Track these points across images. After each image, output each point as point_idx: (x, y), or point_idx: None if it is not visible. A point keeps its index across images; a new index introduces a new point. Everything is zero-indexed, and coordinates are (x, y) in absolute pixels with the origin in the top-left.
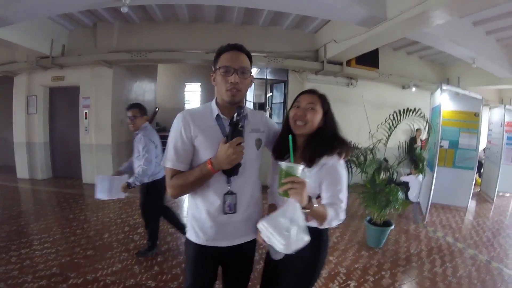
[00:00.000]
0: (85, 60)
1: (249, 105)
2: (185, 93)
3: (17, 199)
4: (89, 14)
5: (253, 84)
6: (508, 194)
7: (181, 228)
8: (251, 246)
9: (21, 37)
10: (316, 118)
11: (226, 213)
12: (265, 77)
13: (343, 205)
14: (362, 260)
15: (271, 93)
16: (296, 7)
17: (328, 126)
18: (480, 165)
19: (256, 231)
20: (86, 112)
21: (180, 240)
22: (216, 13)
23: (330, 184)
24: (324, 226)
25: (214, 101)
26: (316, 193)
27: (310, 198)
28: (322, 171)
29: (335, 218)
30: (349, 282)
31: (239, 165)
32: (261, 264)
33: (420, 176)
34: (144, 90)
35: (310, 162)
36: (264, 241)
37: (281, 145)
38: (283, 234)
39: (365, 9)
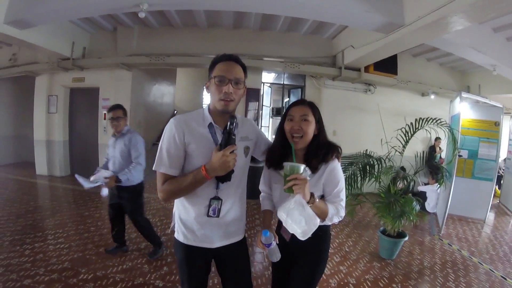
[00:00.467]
0: (105, 63)
1: (266, 110)
2: (203, 96)
3: (35, 195)
4: (109, 18)
5: (270, 89)
6: None
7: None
8: (239, 247)
9: (43, 39)
10: (311, 128)
11: (209, 216)
12: (282, 82)
13: (343, 203)
14: (373, 272)
15: (288, 98)
16: (313, 14)
17: (322, 133)
18: (500, 176)
19: (242, 233)
20: (105, 113)
21: None
22: (234, 18)
23: (331, 185)
24: (326, 222)
25: (206, 108)
26: (319, 194)
27: (312, 194)
28: (323, 174)
29: (336, 215)
30: None
31: (232, 171)
32: (269, 270)
33: (438, 186)
34: (163, 93)
35: (314, 169)
36: (264, 246)
37: (276, 156)
38: (299, 224)
39: (382, 15)
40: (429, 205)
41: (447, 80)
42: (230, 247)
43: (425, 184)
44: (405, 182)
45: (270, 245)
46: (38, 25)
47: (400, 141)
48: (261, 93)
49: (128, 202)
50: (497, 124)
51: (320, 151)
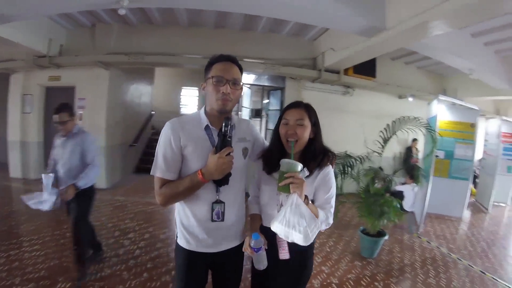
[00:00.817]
0: (82, 61)
1: (246, 111)
2: (181, 97)
3: (9, 199)
4: (88, 15)
5: (250, 90)
6: (503, 205)
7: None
8: (238, 251)
9: (20, 35)
10: (306, 133)
11: (214, 221)
12: (262, 84)
13: (332, 210)
14: (355, 271)
15: (267, 100)
16: (296, 15)
17: (318, 136)
18: (475, 175)
19: (241, 237)
20: (81, 114)
21: (171, 246)
22: (216, 18)
23: (323, 191)
24: None
25: (203, 110)
26: (310, 199)
27: (306, 196)
28: (316, 178)
29: (324, 221)
30: None
31: (229, 174)
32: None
33: (414, 186)
34: (141, 93)
35: (309, 172)
36: (253, 251)
37: (272, 160)
38: (299, 229)
39: (365, 19)
40: (407, 204)
41: (425, 83)
42: (231, 250)
43: (403, 184)
44: (383, 182)
45: (260, 250)
46: (15, 20)
47: (380, 142)
48: (241, 94)
49: (77, 205)
50: (473, 125)
51: (317, 155)
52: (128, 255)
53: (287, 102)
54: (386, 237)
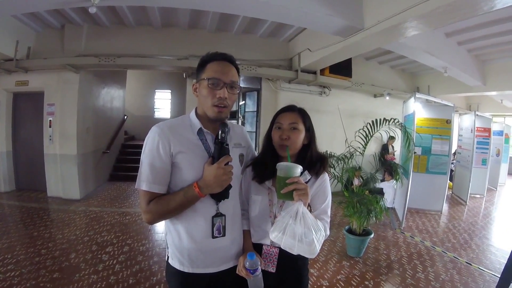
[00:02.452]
0: (50, 64)
1: None
2: (155, 100)
3: None
4: (57, 15)
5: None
6: (478, 196)
7: None
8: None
9: None
10: (300, 138)
11: (215, 237)
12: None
13: (329, 220)
14: (344, 271)
15: (243, 102)
16: (273, 15)
17: (313, 142)
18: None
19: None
20: (50, 120)
21: (152, 259)
22: (190, 18)
23: (320, 199)
24: None
25: (193, 113)
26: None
27: (308, 204)
28: (313, 187)
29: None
30: None
31: (229, 186)
32: None
33: (394, 182)
34: (112, 97)
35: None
36: (248, 273)
37: (264, 168)
38: (305, 241)
39: (343, 19)
40: (387, 201)
41: (398, 82)
42: (231, 272)
43: (382, 181)
44: (361, 179)
45: (256, 271)
46: None
47: (362, 140)
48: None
49: None
50: (448, 121)
51: (313, 163)
52: (108, 271)
53: (263, 103)
54: (372, 236)
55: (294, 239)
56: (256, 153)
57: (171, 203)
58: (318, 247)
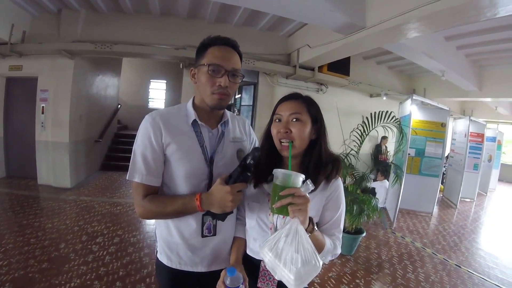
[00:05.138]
0: (46, 49)
1: None
2: (149, 90)
3: None
4: None
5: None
6: (468, 200)
7: None
8: None
9: None
10: (304, 131)
11: (204, 236)
12: None
13: (341, 235)
14: (336, 269)
15: (239, 95)
16: (275, 8)
17: (322, 138)
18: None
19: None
20: (43, 106)
21: (143, 251)
22: (189, 7)
23: (332, 210)
24: None
25: (190, 102)
26: (316, 221)
27: (311, 220)
28: (324, 195)
29: (331, 252)
30: None
31: (230, 212)
32: None
33: (386, 182)
34: (107, 85)
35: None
36: None
37: (261, 166)
38: (290, 267)
39: (345, 16)
40: (378, 200)
41: (395, 83)
42: (219, 274)
43: (374, 180)
44: (354, 179)
45: None
46: None
47: (357, 139)
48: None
49: None
50: (443, 125)
51: (323, 164)
52: (98, 262)
53: (259, 98)
54: (364, 234)
55: (279, 261)
56: None
57: (167, 207)
58: (305, 279)
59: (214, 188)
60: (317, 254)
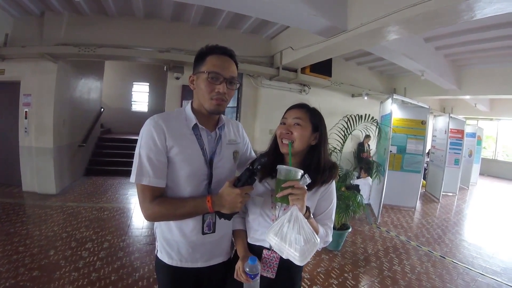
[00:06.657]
0: (29, 52)
1: None
2: (132, 93)
3: None
4: (37, 1)
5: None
6: (451, 194)
7: None
8: (226, 267)
9: None
10: (304, 134)
11: (205, 233)
12: None
13: (332, 225)
14: (324, 264)
15: None
16: (258, 11)
17: (322, 145)
18: (424, 168)
19: (230, 252)
20: (26, 111)
21: (133, 255)
22: (174, 10)
23: (325, 202)
24: None
25: (189, 107)
26: (312, 211)
27: (308, 208)
28: (319, 193)
29: (324, 238)
30: (314, 287)
31: (236, 212)
32: None
33: (369, 179)
34: (90, 88)
35: (312, 186)
36: (248, 278)
37: (266, 164)
38: (294, 246)
39: (326, 19)
40: (363, 197)
41: (376, 83)
42: (221, 265)
43: (358, 178)
44: (338, 177)
45: (256, 277)
46: None
47: (340, 138)
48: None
49: None
50: (423, 122)
51: (322, 169)
52: (89, 267)
53: (243, 99)
54: (350, 230)
55: (285, 242)
56: None
57: (178, 209)
58: (308, 255)
59: (224, 191)
60: (315, 233)
